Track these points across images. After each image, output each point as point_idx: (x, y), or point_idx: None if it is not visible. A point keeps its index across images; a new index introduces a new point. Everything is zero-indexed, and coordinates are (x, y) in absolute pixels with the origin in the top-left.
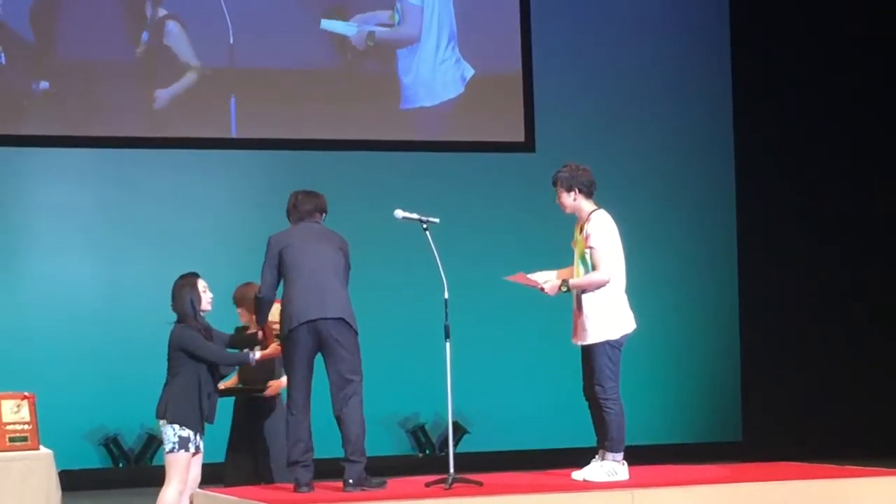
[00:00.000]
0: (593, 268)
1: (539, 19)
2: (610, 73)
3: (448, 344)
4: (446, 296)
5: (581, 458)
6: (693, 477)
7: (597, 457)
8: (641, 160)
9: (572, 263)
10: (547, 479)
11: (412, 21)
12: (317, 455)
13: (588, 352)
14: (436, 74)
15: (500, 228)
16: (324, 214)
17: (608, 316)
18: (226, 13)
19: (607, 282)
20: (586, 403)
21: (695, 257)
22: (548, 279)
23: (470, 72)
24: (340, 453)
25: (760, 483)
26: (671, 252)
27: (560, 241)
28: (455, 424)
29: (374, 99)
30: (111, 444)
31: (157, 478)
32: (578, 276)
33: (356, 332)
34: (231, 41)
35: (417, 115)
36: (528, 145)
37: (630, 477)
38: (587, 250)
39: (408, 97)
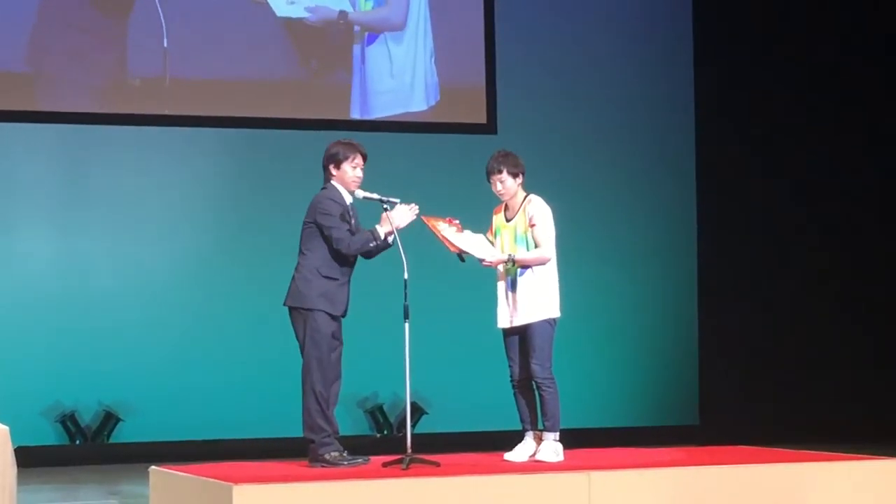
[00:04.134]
0: (536, 246)
1: (502, 4)
2: (573, 53)
3: (407, 324)
4: (406, 276)
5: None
6: (650, 460)
7: (526, 438)
8: (603, 142)
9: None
10: (504, 460)
11: (396, 3)
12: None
13: (526, 331)
14: (415, 79)
15: (460, 209)
16: (326, 174)
17: (547, 294)
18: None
19: (549, 259)
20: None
21: (653, 240)
22: (482, 247)
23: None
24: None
25: (717, 466)
26: (629, 235)
27: None
28: (413, 405)
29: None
30: (68, 420)
31: (114, 455)
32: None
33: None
34: (163, 45)
35: (381, 95)
36: (489, 127)
37: (580, 457)
38: (531, 229)
39: (380, 103)
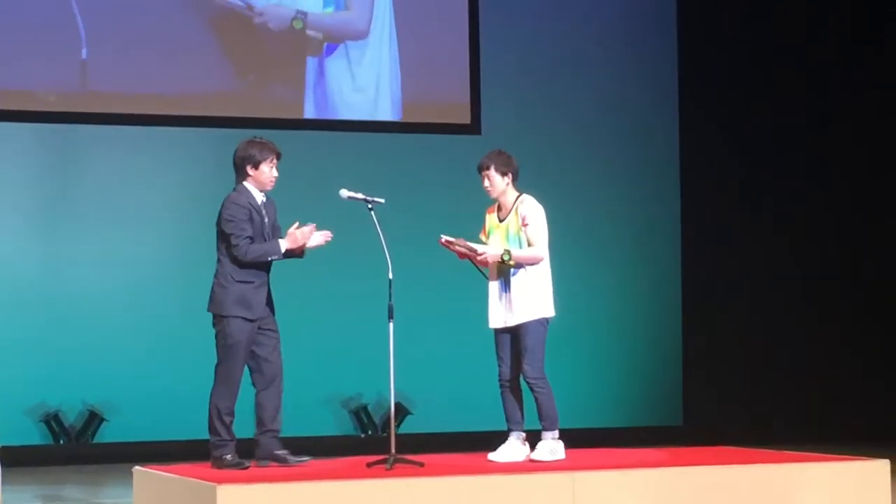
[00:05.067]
0: (529, 245)
1: (486, 8)
2: (556, 55)
3: (391, 324)
4: (391, 276)
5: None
6: (633, 460)
7: (511, 438)
8: (587, 142)
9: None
10: (488, 460)
11: (360, 8)
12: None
13: (519, 331)
14: (379, 90)
15: (445, 210)
16: (240, 174)
17: (541, 294)
18: None
19: (542, 259)
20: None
21: (638, 242)
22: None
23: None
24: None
25: (700, 467)
26: (614, 237)
27: None
28: (397, 405)
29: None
30: (52, 420)
31: (98, 455)
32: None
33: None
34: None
35: (363, 99)
36: (473, 127)
37: (566, 457)
38: (524, 228)
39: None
